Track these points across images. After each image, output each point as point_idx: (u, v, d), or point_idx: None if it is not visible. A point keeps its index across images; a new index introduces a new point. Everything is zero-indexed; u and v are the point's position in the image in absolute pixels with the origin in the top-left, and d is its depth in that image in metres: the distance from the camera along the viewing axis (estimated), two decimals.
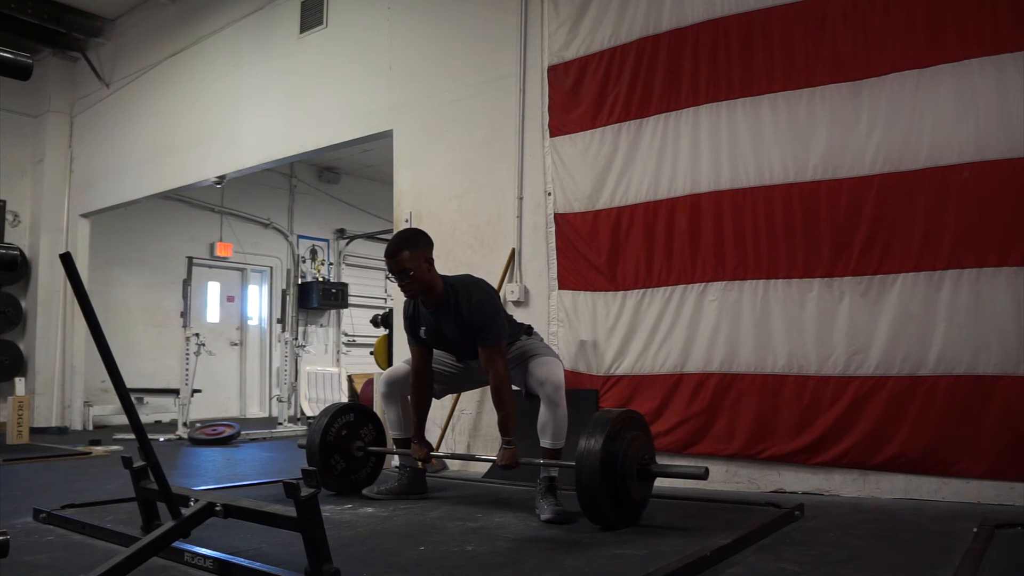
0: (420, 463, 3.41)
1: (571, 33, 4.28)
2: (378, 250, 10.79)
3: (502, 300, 4.14)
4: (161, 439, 6.42)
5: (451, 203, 4.73)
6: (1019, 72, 3.09)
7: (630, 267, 3.99)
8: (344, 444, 3.51)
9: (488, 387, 3.13)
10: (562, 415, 3.07)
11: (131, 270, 8.79)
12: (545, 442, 3.08)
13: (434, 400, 3.45)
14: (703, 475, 2.71)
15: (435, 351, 3.35)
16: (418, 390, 3.32)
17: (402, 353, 4.68)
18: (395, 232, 3.31)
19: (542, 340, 3.41)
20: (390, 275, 3.14)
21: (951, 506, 3.08)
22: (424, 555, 2.41)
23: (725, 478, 3.65)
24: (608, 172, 4.09)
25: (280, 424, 7.32)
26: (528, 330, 3.36)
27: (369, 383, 6.10)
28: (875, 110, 3.38)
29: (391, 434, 3.56)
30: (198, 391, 7.22)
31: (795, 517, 2.85)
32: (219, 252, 9.41)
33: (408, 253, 3.07)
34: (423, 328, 3.25)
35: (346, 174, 10.55)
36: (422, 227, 4.75)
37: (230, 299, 9.87)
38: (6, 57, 1.33)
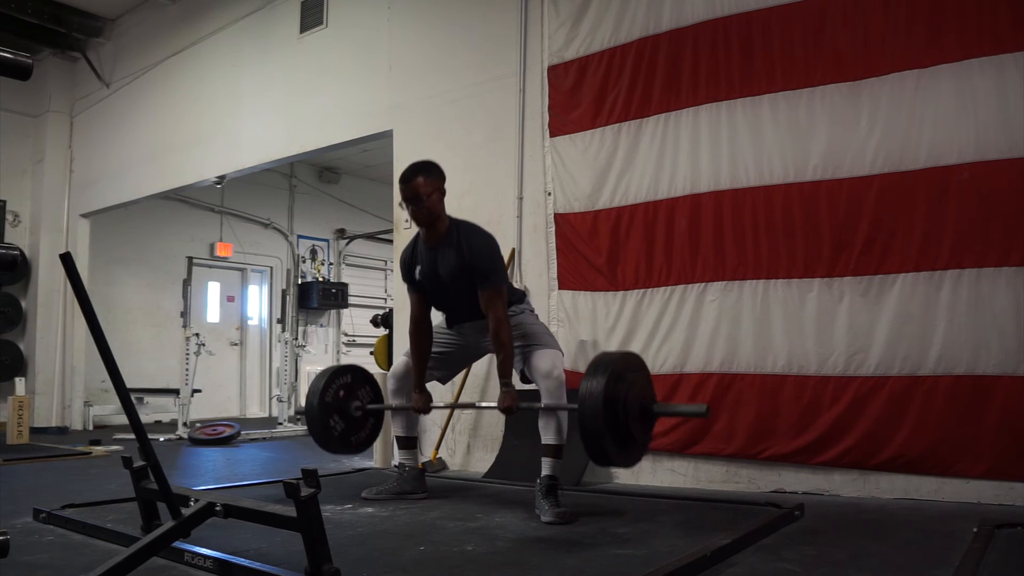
0: (420, 413, 3.38)
1: (571, 33, 4.28)
2: (378, 250, 10.82)
3: None
4: (161, 439, 6.42)
5: (451, 203, 4.64)
6: (1019, 72, 3.09)
7: (630, 267, 3.99)
8: (343, 405, 3.49)
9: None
10: (563, 411, 3.07)
11: (131, 270, 8.79)
12: (548, 438, 3.08)
13: (434, 399, 3.45)
14: (704, 412, 2.72)
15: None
16: (418, 338, 3.33)
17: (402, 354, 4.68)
18: (408, 166, 3.29)
19: (536, 315, 3.38)
20: (402, 202, 3.20)
21: (951, 506, 3.08)
22: (424, 555, 2.41)
23: (725, 478, 3.65)
24: (608, 172, 4.09)
25: (280, 424, 7.31)
26: (522, 296, 3.36)
27: None
28: (875, 110, 3.38)
29: (395, 431, 3.54)
30: (198, 391, 7.22)
31: (795, 517, 2.85)
32: (219, 252, 9.41)
33: (423, 179, 3.13)
34: (419, 268, 3.26)
35: (346, 174, 10.55)
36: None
37: (230, 299, 9.87)
38: (6, 57, 1.33)
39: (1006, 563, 2.26)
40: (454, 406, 3.78)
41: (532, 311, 3.38)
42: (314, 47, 5.73)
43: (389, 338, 5.32)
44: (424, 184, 3.13)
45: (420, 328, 3.33)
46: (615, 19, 4.12)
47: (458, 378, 4.32)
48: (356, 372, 3.64)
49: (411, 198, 3.14)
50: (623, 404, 2.68)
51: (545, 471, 3.05)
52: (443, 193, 3.21)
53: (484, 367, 4.36)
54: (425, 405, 3.30)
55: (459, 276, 3.14)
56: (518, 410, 3.02)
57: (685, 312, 3.81)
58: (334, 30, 5.62)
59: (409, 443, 3.47)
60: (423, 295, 3.31)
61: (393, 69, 5.16)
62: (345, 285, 10.33)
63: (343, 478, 4.19)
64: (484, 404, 3.57)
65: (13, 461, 4.90)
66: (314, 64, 5.72)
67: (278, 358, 8.09)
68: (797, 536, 2.62)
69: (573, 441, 3.95)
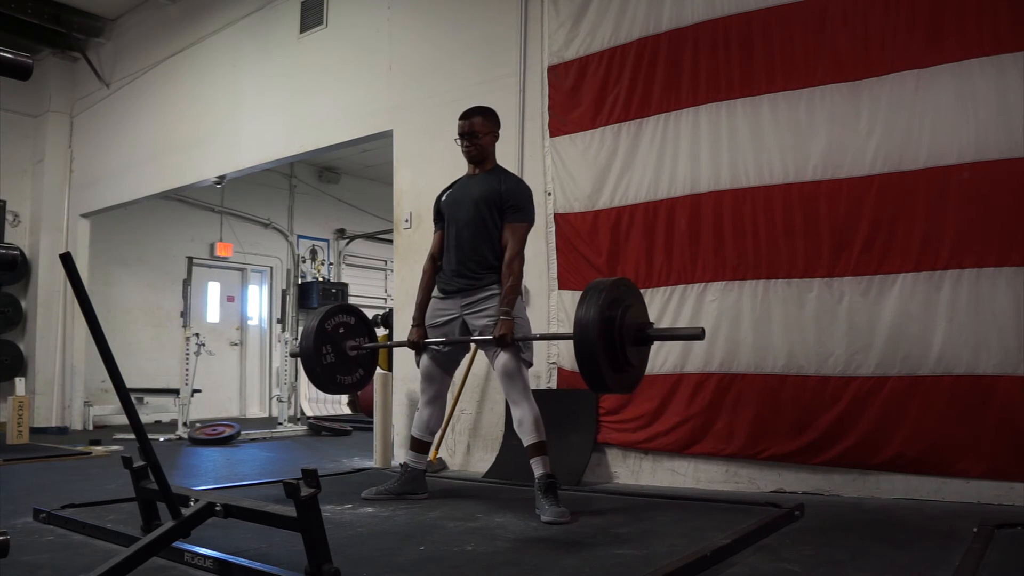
0: (416, 352, 3.44)
1: (571, 33, 4.28)
2: (378, 250, 10.81)
3: None
4: (161, 439, 6.42)
5: None
6: (1019, 72, 3.09)
7: (630, 267, 3.99)
8: (338, 339, 3.51)
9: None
10: (533, 407, 3.12)
11: (131, 270, 8.79)
12: (528, 439, 3.10)
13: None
14: (700, 335, 2.73)
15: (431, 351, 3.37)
16: (430, 272, 3.46)
17: (403, 354, 4.69)
18: None
19: (524, 302, 3.36)
20: (457, 137, 3.39)
21: (951, 506, 3.08)
22: (424, 555, 2.41)
23: (725, 478, 3.65)
24: (608, 172, 4.09)
25: (280, 424, 7.32)
26: None
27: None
28: (875, 110, 3.38)
29: (413, 431, 3.51)
30: (198, 391, 7.22)
31: (795, 517, 2.85)
32: (219, 252, 9.41)
33: (481, 119, 3.37)
34: (448, 192, 3.45)
35: (346, 174, 10.55)
36: (422, 227, 4.77)
37: (230, 299, 9.87)
38: (6, 57, 1.33)
39: (1006, 563, 2.26)
40: (449, 342, 3.57)
41: (522, 295, 3.37)
42: (314, 47, 5.73)
43: (389, 338, 5.32)
44: (482, 124, 3.37)
45: (434, 264, 3.47)
46: (615, 19, 4.12)
47: (458, 378, 4.32)
48: (360, 317, 3.67)
49: (467, 133, 3.36)
50: (618, 329, 2.64)
51: (539, 471, 3.05)
52: (496, 137, 3.44)
53: (484, 367, 4.36)
54: (420, 339, 3.39)
55: (483, 203, 3.27)
56: (512, 342, 3.09)
57: (685, 312, 3.81)
58: (334, 30, 5.63)
59: (421, 447, 3.48)
60: (442, 233, 3.45)
61: (393, 69, 5.16)
62: (345, 285, 10.33)
63: (343, 478, 4.19)
64: (477, 337, 3.42)
65: (13, 461, 4.90)
66: (314, 64, 5.72)
67: (278, 358, 8.09)
68: (797, 536, 2.62)
69: (572, 441, 3.97)
